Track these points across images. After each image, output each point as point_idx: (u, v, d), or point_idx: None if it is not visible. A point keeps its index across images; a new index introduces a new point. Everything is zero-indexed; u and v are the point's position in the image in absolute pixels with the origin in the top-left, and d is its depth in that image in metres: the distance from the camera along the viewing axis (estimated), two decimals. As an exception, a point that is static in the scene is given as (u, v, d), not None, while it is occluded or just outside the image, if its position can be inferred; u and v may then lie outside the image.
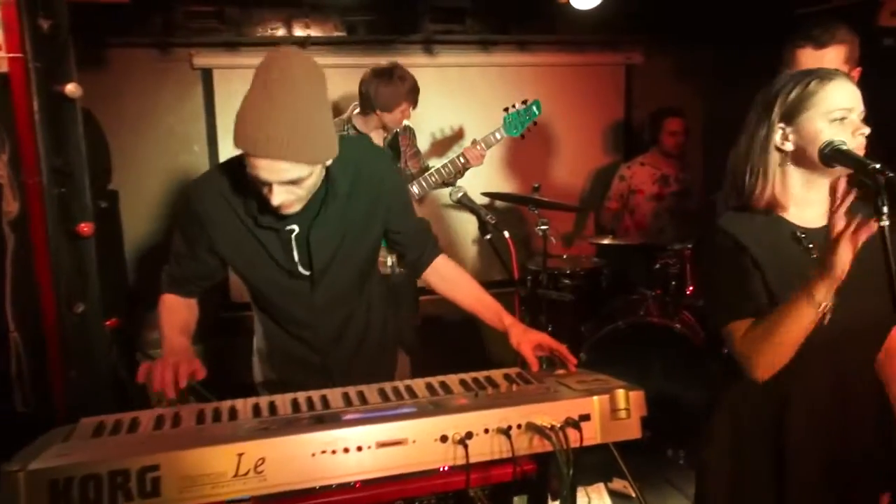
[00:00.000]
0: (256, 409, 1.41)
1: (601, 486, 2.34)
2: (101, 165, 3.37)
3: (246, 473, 1.15)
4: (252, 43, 3.92)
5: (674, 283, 3.50)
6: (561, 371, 1.59)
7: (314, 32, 3.94)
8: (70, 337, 2.30)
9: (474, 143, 3.23)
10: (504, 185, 4.31)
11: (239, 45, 3.92)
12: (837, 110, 1.45)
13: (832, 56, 1.97)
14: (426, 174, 3.22)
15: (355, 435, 1.21)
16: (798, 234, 1.54)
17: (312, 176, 1.54)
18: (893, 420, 1.56)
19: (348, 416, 1.28)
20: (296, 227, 1.69)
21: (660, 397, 3.08)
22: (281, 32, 3.91)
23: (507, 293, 2.32)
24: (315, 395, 1.49)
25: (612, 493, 2.37)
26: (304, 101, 1.46)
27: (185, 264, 1.78)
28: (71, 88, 2.17)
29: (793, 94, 1.49)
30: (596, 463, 1.58)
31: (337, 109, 3.60)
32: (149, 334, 3.61)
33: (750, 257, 1.52)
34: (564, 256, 3.98)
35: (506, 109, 3.28)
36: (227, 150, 3.98)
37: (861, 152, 1.45)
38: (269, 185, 1.50)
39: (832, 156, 1.42)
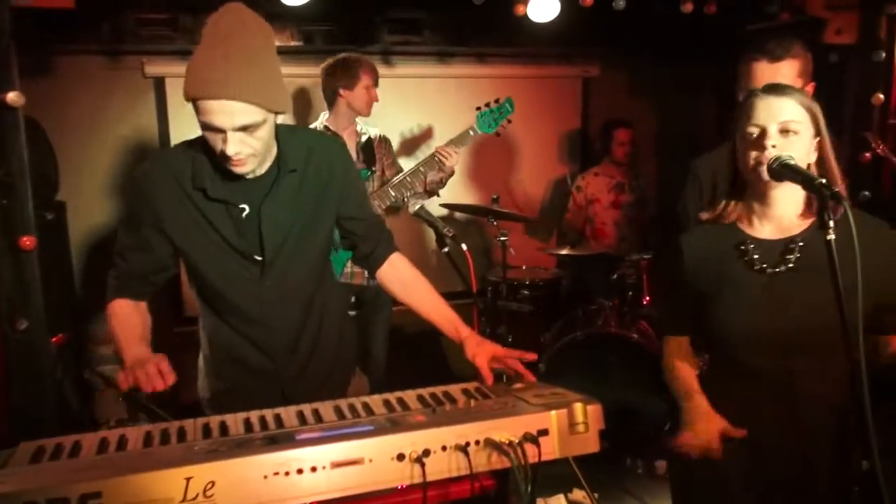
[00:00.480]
0: (207, 430, 1.37)
1: (561, 497, 2.34)
2: (48, 176, 3.25)
3: (195, 498, 1.11)
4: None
5: (631, 293, 3.55)
6: (519, 385, 1.58)
7: (270, 41, 3.88)
8: (12, 355, 2.22)
9: (449, 143, 3.22)
10: (464, 197, 4.31)
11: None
12: (751, 127, 1.52)
13: (787, 70, 2.01)
14: (405, 177, 3.19)
15: (309, 455, 1.18)
16: (748, 243, 1.59)
17: (266, 126, 1.55)
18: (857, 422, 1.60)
19: (302, 436, 1.25)
20: (246, 207, 1.67)
21: (618, 407, 3.11)
22: (236, 41, 3.84)
23: (467, 305, 2.31)
24: (268, 413, 1.46)
25: (572, 505, 2.38)
26: (256, 50, 1.51)
27: (134, 258, 1.73)
28: (13, 97, 2.10)
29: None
30: (555, 474, 1.58)
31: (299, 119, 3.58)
32: (97, 350, 3.49)
33: (685, 269, 1.65)
34: (524, 267, 4.00)
35: (478, 108, 3.29)
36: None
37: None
38: (224, 133, 1.50)
39: (779, 171, 1.46)
